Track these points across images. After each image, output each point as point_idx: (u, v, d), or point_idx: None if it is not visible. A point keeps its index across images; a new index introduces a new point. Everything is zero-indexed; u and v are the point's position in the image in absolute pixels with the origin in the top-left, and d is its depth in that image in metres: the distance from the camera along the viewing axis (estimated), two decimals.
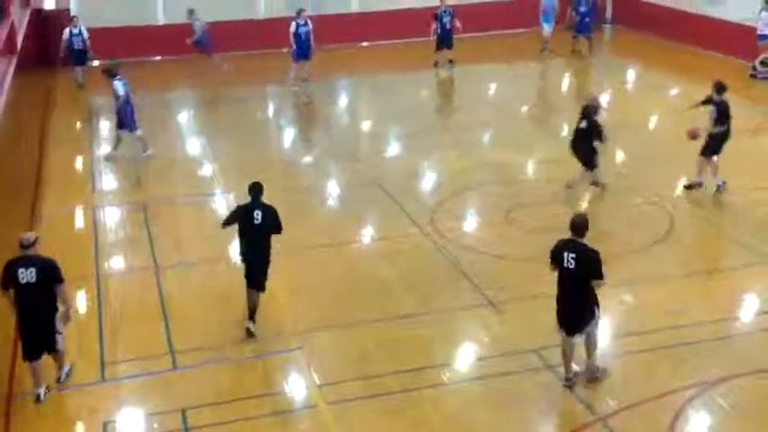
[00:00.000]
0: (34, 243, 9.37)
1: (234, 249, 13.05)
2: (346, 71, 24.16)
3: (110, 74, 16.92)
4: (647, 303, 11.04)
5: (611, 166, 15.87)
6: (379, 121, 19.95)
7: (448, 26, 23.26)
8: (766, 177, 15.03)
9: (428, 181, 15.93)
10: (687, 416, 8.87)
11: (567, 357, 9.33)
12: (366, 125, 20.20)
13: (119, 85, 16.70)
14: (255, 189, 10.47)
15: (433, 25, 23.25)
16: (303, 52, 22.04)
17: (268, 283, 10.57)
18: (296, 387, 9.70)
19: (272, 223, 10.41)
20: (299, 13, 22.17)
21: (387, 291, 11.59)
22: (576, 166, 14.34)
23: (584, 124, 14.04)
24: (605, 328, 10.56)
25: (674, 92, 21.58)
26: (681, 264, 12.10)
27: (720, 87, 14.07)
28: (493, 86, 22.93)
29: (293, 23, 22.06)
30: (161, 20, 25.67)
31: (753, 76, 21.27)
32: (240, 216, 10.46)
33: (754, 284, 11.54)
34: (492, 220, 13.85)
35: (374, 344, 10.33)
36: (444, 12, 23.27)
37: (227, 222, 10.67)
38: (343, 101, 22.58)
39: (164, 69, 24.28)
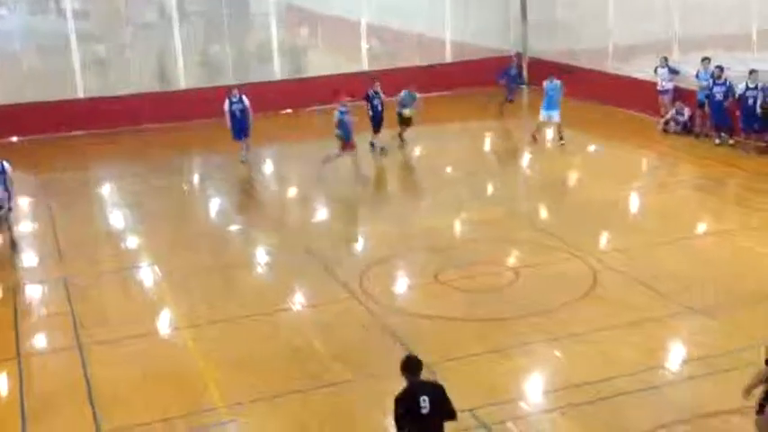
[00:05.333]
0: None
1: (161, 323, 12.91)
2: (269, 139, 23.97)
3: None
4: (575, 357, 11.14)
5: (536, 224, 16.21)
6: (305, 188, 19.98)
7: (379, 108, 21.43)
8: (676, 230, 15.45)
9: (357, 246, 15.92)
10: None
11: None
12: (292, 192, 20.20)
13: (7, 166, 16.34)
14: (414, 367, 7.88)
15: (366, 107, 21.55)
16: (240, 130, 20.91)
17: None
18: None
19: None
20: (231, 90, 21.02)
21: (318, 358, 11.44)
22: None
23: None
24: (539, 385, 10.64)
25: (591, 148, 22.17)
26: (606, 316, 12.26)
27: None
28: (417, 149, 23.11)
29: (226, 101, 20.84)
30: (81, 94, 25.41)
31: (665, 131, 22.02)
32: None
33: (679, 333, 11.80)
34: (421, 282, 13.90)
35: (307, 413, 10.15)
36: (375, 93, 21.48)
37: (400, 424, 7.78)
38: (268, 168, 22.55)
39: (85, 144, 24.02)
